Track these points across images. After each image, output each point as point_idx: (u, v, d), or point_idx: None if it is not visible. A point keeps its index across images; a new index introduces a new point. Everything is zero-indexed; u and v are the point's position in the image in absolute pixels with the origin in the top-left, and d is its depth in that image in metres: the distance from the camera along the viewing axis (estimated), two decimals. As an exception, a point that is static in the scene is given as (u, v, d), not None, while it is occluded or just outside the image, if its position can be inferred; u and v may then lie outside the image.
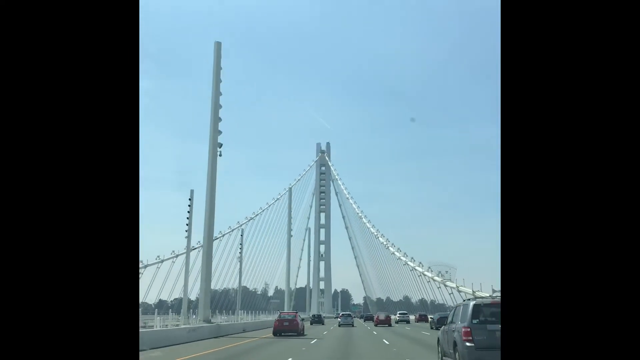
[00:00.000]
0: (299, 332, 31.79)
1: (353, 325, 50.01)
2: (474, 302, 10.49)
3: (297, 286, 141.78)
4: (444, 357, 12.09)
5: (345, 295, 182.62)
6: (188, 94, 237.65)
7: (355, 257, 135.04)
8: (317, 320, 59.70)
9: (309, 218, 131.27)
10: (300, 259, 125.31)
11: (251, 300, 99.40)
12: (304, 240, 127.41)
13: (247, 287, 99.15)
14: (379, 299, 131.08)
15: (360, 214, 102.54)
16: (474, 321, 9.82)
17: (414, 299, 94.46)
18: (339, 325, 48.82)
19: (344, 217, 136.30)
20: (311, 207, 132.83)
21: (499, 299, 9.96)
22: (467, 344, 9.54)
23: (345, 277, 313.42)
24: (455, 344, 10.45)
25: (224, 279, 79.05)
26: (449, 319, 11.95)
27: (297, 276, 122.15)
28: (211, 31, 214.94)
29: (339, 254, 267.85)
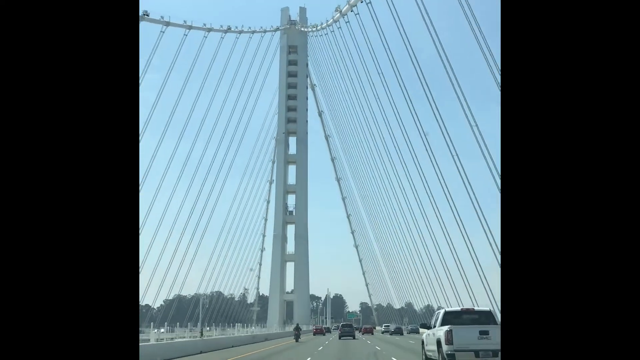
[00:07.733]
0: (324, 334, 69.24)
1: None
2: (342, 323, 64.22)
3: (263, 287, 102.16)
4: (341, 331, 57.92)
5: (338, 301, 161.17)
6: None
7: (353, 232, 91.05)
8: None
9: (273, 162, 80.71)
10: (264, 235, 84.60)
11: (226, 309, 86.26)
12: (267, 202, 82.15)
13: (222, 292, 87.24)
14: (379, 305, 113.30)
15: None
16: (341, 325, 60.11)
17: (418, 306, 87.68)
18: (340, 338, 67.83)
19: (333, 160, 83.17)
20: (275, 144, 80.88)
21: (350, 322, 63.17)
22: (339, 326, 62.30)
23: (338, 281, 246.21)
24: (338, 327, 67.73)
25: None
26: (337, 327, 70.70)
27: (259, 264, 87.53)
28: None
29: (327, 248, 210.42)
